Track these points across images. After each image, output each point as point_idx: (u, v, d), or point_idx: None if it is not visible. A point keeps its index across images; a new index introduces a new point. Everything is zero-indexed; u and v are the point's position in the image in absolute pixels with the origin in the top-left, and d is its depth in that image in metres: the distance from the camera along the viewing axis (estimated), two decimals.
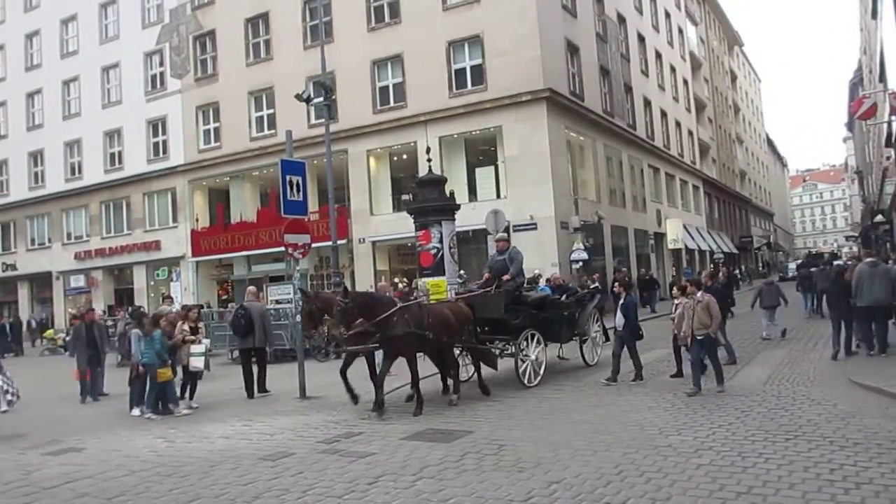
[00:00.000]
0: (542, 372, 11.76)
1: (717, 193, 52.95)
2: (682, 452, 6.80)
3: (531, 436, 7.96)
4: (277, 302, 20.32)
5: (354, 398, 10.52)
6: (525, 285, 12.81)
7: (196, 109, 31.74)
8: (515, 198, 24.14)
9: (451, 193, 19.15)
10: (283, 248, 21.71)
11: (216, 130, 31.32)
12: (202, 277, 31.39)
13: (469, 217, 21.39)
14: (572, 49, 27.90)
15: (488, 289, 11.94)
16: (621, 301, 11.74)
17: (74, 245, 35.79)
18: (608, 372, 11.49)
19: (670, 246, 37.07)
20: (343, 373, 10.64)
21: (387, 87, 27.30)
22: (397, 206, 26.42)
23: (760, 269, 64.15)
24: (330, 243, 18.83)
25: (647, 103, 37.20)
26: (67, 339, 23.81)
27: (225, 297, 28.28)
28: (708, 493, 5.54)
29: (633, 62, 35.75)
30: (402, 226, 23.07)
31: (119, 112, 34.29)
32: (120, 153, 34.47)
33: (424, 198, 18.63)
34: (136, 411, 11.64)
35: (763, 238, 69.35)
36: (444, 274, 17.75)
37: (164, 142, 32.87)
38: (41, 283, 37.32)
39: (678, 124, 43.18)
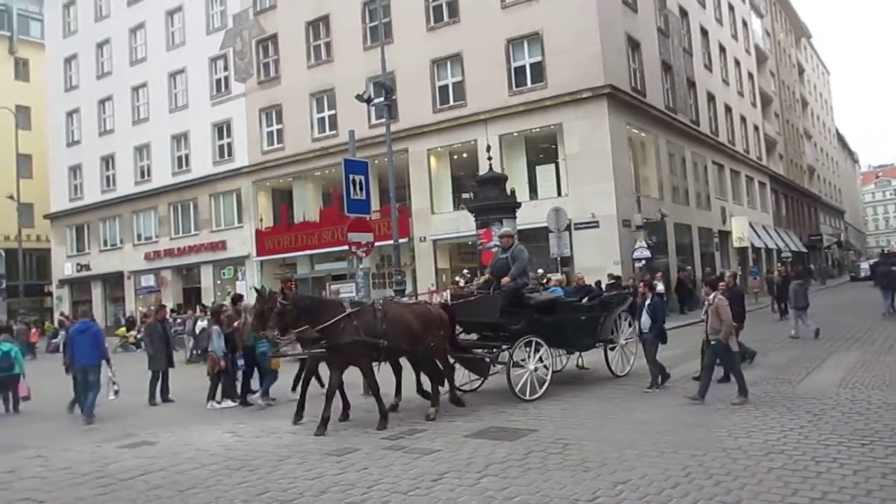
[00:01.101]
0: (547, 382, 10.66)
1: (784, 190, 51.48)
2: (752, 455, 6.65)
3: (595, 435, 7.89)
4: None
5: (300, 414, 9.89)
6: (529, 286, 11.45)
7: (259, 112, 32.38)
8: (576, 195, 23.93)
9: (512, 191, 19.14)
10: (345, 247, 22.01)
11: (279, 132, 31.90)
12: (266, 276, 32.00)
13: (530, 215, 21.31)
14: (633, 44, 27.52)
15: (485, 291, 11.17)
16: (647, 301, 11.15)
17: (144, 246, 36.93)
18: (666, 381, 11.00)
19: (736, 244, 36.20)
20: (301, 380, 10.57)
21: (446, 86, 27.39)
22: (458, 204, 26.46)
23: (831, 268, 62.13)
24: (391, 242, 18.97)
25: (711, 98, 36.42)
26: (139, 336, 24.64)
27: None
28: (780, 498, 5.41)
29: (696, 56, 35.05)
30: (463, 224, 23.16)
31: (186, 116, 35.22)
32: (187, 156, 35.41)
33: (485, 196, 18.67)
34: (212, 404, 11.95)
35: (833, 236, 67.11)
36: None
37: (229, 144, 33.63)
38: (113, 282, 38.61)
39: (743, 119, 42.14)
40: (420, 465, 7.05)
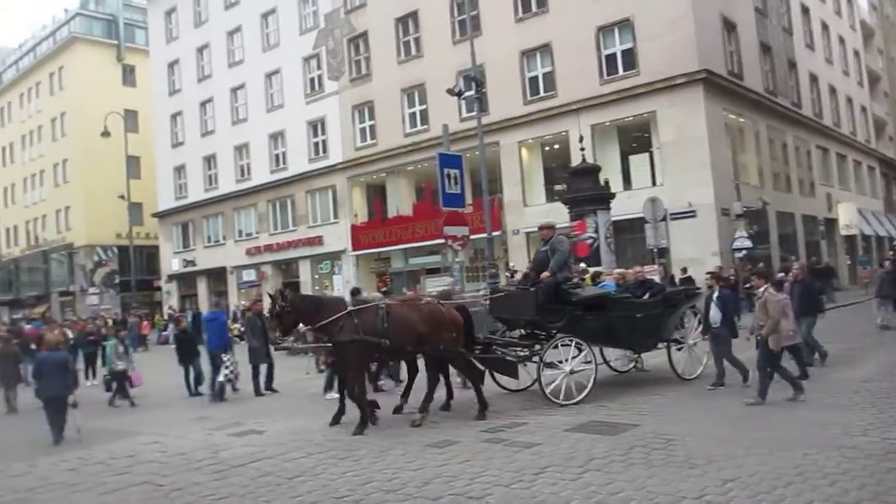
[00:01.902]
0: (589, 385, 9.91)
1: None
2: (871, 454, 6.37)
3: (700, 431, 7.73)
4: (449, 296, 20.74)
5: (338, 418, 9.80)
6: (571, 281, 10.72)
7: (352, 109, 32.98)
8: (672, 185, 23.35)
9: (606, 182, 18.92)
10: (438, 241, 22.24)
11: (371, 128, 32.42)
12: (362, 270, 32.65)
13: (624, 206, 20.98)
14: (729, 26, 26.58)
15: (524, 287, 10.64)
16: (715, 294, 10.46)
17: (245, 241, 38.25)
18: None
19: (843, 232, 34.53)
20: (337, 388, 10.41)
21: (536, 77, 27.18)
22: (550, 196, 26.28)
23: None
24: (484, 235, 19.01)
25: (814, 79, 34.79)
26: (242, 329, 25.56)
27: (384, 289, 29.23)
28: None
29: (797, 36, 33.54)
30: (556, 216, 22.82)
31: (282, 115, 36.22)
32: (284, 154, 36.42)
33: (578, 187, 18.55)
34: (331, 394, 12.30)
35: None
36: (600, 264, 17.55)
37: (324, 141, 34.41)
38: (217, 277, 40.19)
39: (849, 100, 40.05)
40: (521, 459, 7.08)
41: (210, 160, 40.46)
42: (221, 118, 39.58)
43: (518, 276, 11.70)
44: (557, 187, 25.31)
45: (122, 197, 37.81)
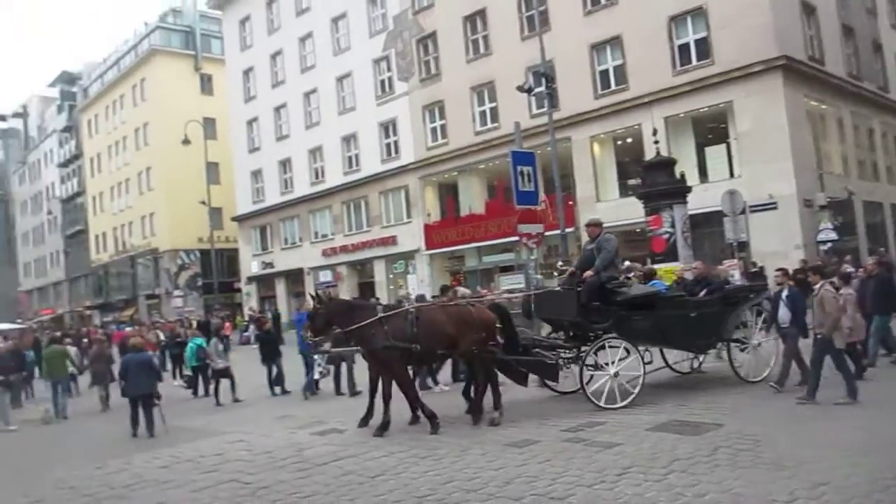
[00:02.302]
0: (635, 391, 9.59)
1: None
2: None
3: (787, 431, 7.51)
4: (510, 292, 20.73)
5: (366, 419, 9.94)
6: (616, 280, 10.22)
7: (423, 109, 33.20)
8: (751, 176, 22.68)
9: (682, 175, 18.54)
10: (511, 239, 22.22)
11: (442, 128, 32.57)
12: (436, 269, 32.86)
13: (701, 199, 20.48)
14: (808, 9, 25.62)
15: (568, 286, 10.25)
16: (784, 293, 9.95)
17: (321, 243, 38.97)
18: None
19: None
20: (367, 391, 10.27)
21: (607, 70, 26.81)
22: (624, 191, 25.88)
23: None
24: (558, 232, 18.90)
25: None
26: None
27: (458, 287, 29.42)
28: None
29: (881, 16, 32.09)
30: (630, 211, 22.63)
31: (354, 118, 36.74)
32: (357, 156, 36.95)
33: (653, 181, 18.22)
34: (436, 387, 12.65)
35: None
36: (676, 259, 17.22)
37: (396, 142, 34.76)
38: (294, 278, 41.07)
39: None
40: (602, 459, 7.02)
41: (285, 164, 41.37)
42: (295, 122, 40.42)
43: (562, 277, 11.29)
44: (631, 182, 24.89)
45: (203, 202, 39.03)
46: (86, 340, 24.71)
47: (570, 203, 26.09)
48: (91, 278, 62.77)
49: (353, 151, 37.13)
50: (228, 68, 46.28)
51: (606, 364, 9.66)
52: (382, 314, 9.66)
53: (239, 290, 46.38)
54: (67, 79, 69.40)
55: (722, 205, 19.80)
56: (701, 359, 11.54)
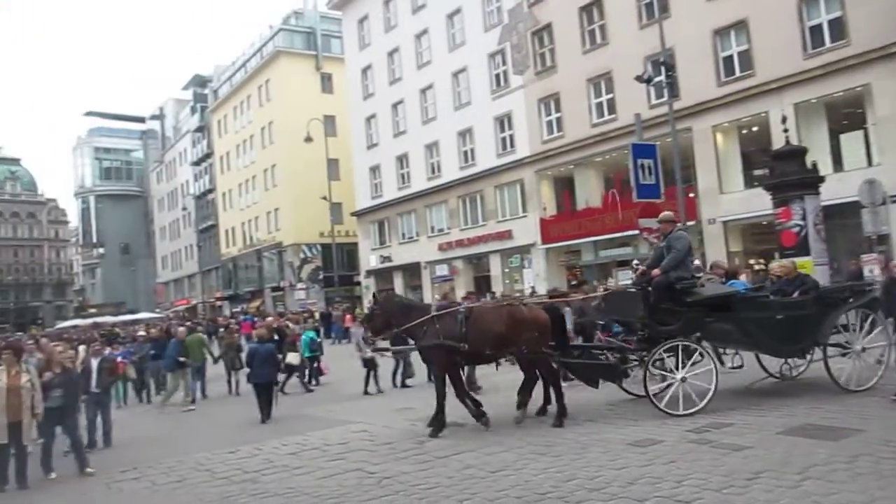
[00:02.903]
0: (708, 397, 9.09)
1: None
2: None
3: None
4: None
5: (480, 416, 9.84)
6: (686, 280, 9.65)
7: (538, 102, 32.94)
8: (892, 164, 21.15)
9: (813, 164, 17.53)
10: (629, 232, 21.75)
11: (558, 120, 32.21)
12: (551, 264, 32.60)
13: (835, 189, 19.29)
14: None
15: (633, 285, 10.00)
16: None
17: (437, 237, 39.46)
18: None
19: None
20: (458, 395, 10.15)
21: (731, 56, 25.66)
22: (749, 182, 24.76)
23: None
24: (679, 225, 18.36)
25: None
26: None
27: (574, 282, 29.02)
28: None
29: None
30: (756, 203, 21.65)
31: (469, 112, 36.94)
32: (472, 150, 37.13)
33: (782, 172, 17.32)
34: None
35: None
36: (808, 254, 16.36)
37: (511, 136, 34.68)
38: (411, 272, 41.79)
39: None
40: (731, 462, 6.78)
41: (402, 159, 42.10)
42: (412, 118, 41.05)
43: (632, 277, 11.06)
44: (757, 172, 23.76)
45: (324, 198, 40.34)
46: (222, 329, 26.08)
47: (691, 195, 25.24)
48: (221, 270, 66.11)
49: (469, 146, 37.34)
50: (347, 67, 47.50)
51: (674, 368, 9.29)
52: (435, 313, 9.94)
53: (358, 284, 47.63)
54: (199, 82, 73.36)
55: (859, 195, 18.57)
56: (796, 363, 10.85)
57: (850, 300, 9.98)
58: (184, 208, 74.65)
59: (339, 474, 7.96)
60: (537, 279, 31.61)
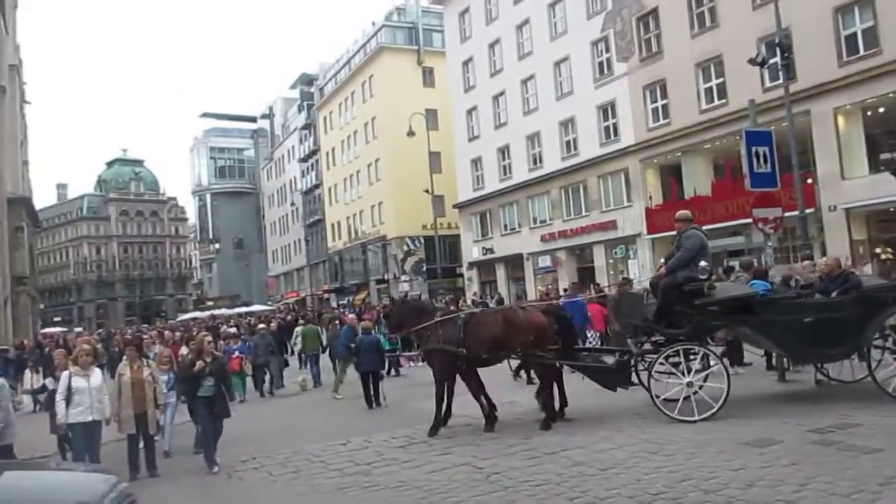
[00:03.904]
0: (721, 399, 8.77)
1: None
2: None
3: None
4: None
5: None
6: (695, 280, 9.22)
7: (643, 89, 32.07)
8: None
9: None
10: (741, 221, 20.93)
11: (664, 107, 31.27)
12: (658, 254, 31.61)
13: None
14: None
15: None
16: None
17: (540, 228, 39.13)
18: None
19: None
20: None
21: (853, 34, 24.14)
22: (875, 167, 23.30)
23: None
24: (796, 213, 17.49)
25: None
26: None
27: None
28: None
29: None
30: (884, 188, 20.45)
31: (571, 102, 36.38)
32: (574, 140, 36.59)
33: None
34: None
35: None
36: None
37: (615, 125, 33.95)
38: (514, 264, 41.65)
39: None
40: (859, 466, 6.40)
41: (504, 151, 41.95)
42: (513, 110, 40.82)
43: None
44: (884, 156, 22.27)
45: (427, 191, 40.70)
46: (337, 322, 26.88)
47: (809, 182, 23.97)
48: (328, 264, 67.86)
49: (571, 136, 36.80)
50: (449, 60, 47.73)
51: (682, 373, 8.98)
52: (438, 318, 10.30)
53: (461, 276, 47.88)
54: (306, 80, 75.45)
55: None
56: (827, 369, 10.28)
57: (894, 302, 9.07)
58: (292, 204, 77.04)
59: (448, 468, 8.02)
60: (643, 270, 30.85)
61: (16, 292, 40.56)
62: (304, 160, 73.00)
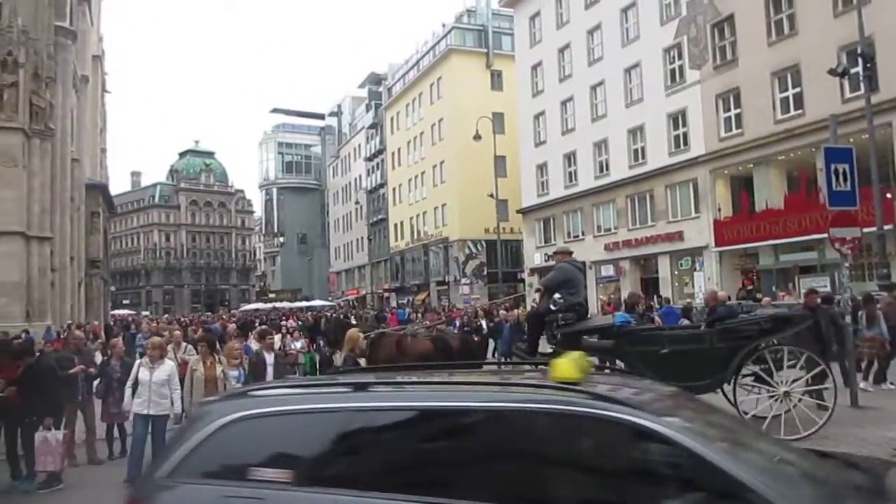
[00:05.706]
0: None
1: None
2: None
3: None
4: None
5: None
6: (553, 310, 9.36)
7: (715, 98, 31.38)
8: None
9: None
10: (814, 236, 20.34)
11: (737, 117, 30.54)
12: (725, 268, 31.04)
13: None
14: None
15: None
16: None
17: (604, 237, 38.68)
18: None
19: None
20: None
21: None
22: None
23: None
24: (874, 229, 16.88)
25: None
26: None
27: (750, 287, 27.47)
28: None
29: None
30: None
31: (641, 109, 35.84)
32: (643, 148, 36.03)
33: None
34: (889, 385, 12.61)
35: None
36: None
37: (685, 134, 33.31)
38: None
39: None
40: None
41: (570, 157, 41.61)
42: (581, 116, 40.46)
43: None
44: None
45: (491, 195, 40.68)
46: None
47: (888, 196, 23.07)
48: (389, 263, 68.43)
49: (640, 144, 36.29)
50: (517, 64, 47.59)
51: None
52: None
53: (522, 281, 47.63)
54: (374, 80, 76.32)
55: None
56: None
57: (765, 334, 9.01)
58: (356, 202, 77.97)
59: None
60: (709, 282, 30.21)
61: (90, 275, 42.05)
62: (369, 159, 73.79)
